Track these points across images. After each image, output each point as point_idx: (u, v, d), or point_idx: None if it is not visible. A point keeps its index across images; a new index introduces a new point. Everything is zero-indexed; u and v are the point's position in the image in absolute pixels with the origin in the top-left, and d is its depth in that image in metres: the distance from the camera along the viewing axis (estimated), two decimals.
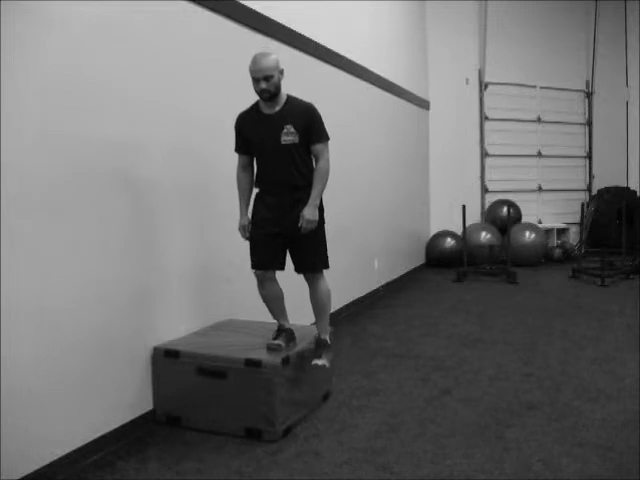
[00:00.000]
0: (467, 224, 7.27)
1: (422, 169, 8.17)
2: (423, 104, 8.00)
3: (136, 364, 2.92)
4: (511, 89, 8.69)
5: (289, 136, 2.86)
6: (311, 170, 2.95)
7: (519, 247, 7.71)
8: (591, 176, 9.40)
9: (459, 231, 7.55)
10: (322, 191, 2.94)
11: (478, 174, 8.69)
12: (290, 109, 2.90)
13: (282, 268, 3.02)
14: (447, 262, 7.70)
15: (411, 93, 7.37)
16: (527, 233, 7.94)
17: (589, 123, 9.36)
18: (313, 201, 2.88)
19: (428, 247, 8.09)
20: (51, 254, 2.42)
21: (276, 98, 2.88)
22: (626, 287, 6.48)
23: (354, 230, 5.51)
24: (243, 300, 3.62)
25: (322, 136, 2.93)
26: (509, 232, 7.36)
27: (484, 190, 8.72)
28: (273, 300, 3.09)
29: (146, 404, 2.99)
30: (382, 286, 6.36)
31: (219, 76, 3.52)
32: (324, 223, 3.01)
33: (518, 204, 8.44)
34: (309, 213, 2.86)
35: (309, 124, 2.89)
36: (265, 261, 2.97)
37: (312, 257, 2.98)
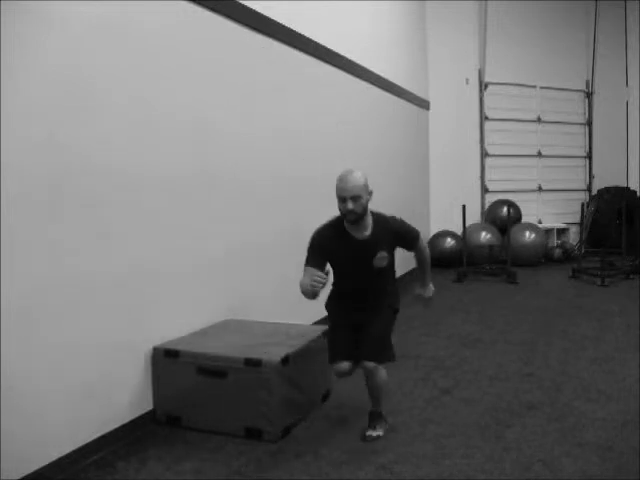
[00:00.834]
0: (467, 224, 7.27)
1: (422, 169, 8.17)
2: (423, 104, 8.00)
3: (136, 364, 2.92)
4: (511, 89, 8.69)
5: (383, 261, 2.78)
6: (394, 277, 2.99)
7: (519, 247, 7.71)
8: (591, 176, 9.40)
9: (459, 231, 7.55)
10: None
11: (478, 174, 8.69)
12: (380, 232, 2.75)
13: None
14: (447, 262, 7.69)
15: (411, 93, 7.37)
16: (527, 233, 7.94)
17: (589, 123, 9.35)
18: (429, 282, 3.10)
19: (428, 247, 8.07)
20: (51, 254, 2.42)
21: (362, 221, 2.71)
22: (626, 287, 6.47)
23: None
24: (243, 300, 3.62)
25: (414, 236, 2.89)
26: (509, 232, 7.35)
27: (484, 190, 8.72)
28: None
29: (146, 404, 2.99)
30: None
31: (219, 76, 3.52)
32: (397, 312, 2.98)
33: (518, 204, 8.44)
34: (431, 290, 3.11)
35: (399, 239, 2.84)
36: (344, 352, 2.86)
37: (377, 343, 2.85)
